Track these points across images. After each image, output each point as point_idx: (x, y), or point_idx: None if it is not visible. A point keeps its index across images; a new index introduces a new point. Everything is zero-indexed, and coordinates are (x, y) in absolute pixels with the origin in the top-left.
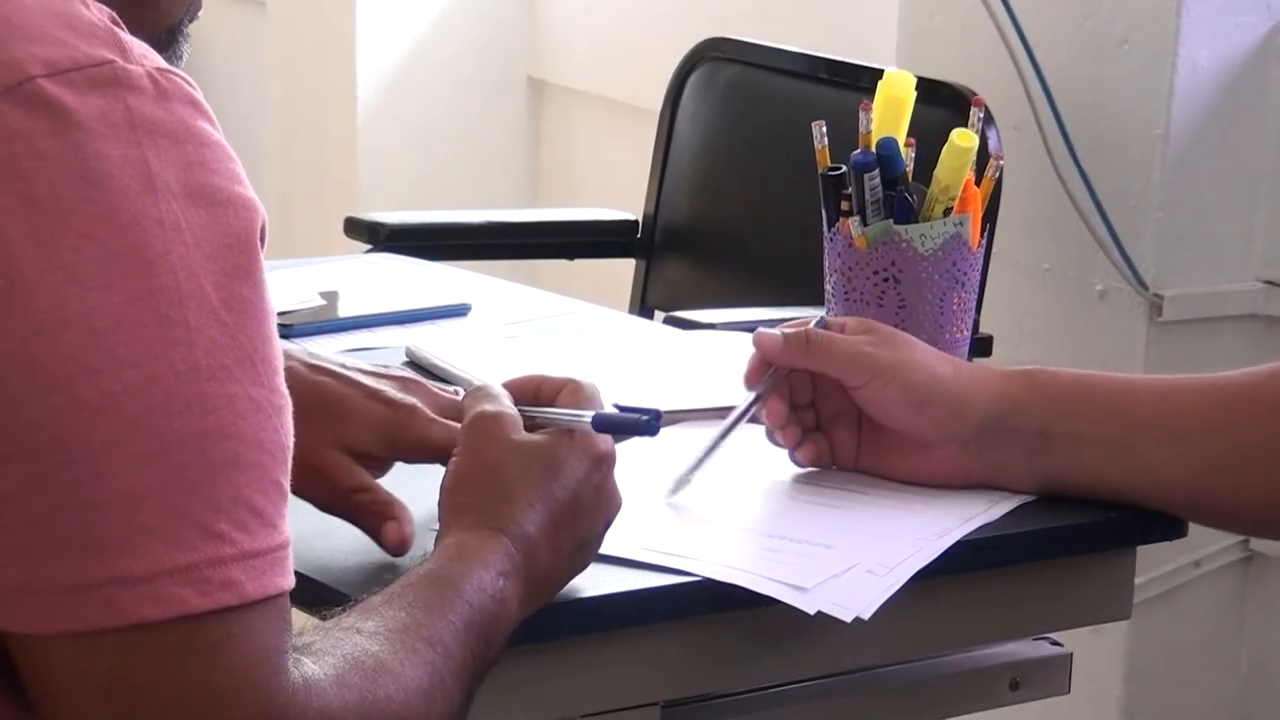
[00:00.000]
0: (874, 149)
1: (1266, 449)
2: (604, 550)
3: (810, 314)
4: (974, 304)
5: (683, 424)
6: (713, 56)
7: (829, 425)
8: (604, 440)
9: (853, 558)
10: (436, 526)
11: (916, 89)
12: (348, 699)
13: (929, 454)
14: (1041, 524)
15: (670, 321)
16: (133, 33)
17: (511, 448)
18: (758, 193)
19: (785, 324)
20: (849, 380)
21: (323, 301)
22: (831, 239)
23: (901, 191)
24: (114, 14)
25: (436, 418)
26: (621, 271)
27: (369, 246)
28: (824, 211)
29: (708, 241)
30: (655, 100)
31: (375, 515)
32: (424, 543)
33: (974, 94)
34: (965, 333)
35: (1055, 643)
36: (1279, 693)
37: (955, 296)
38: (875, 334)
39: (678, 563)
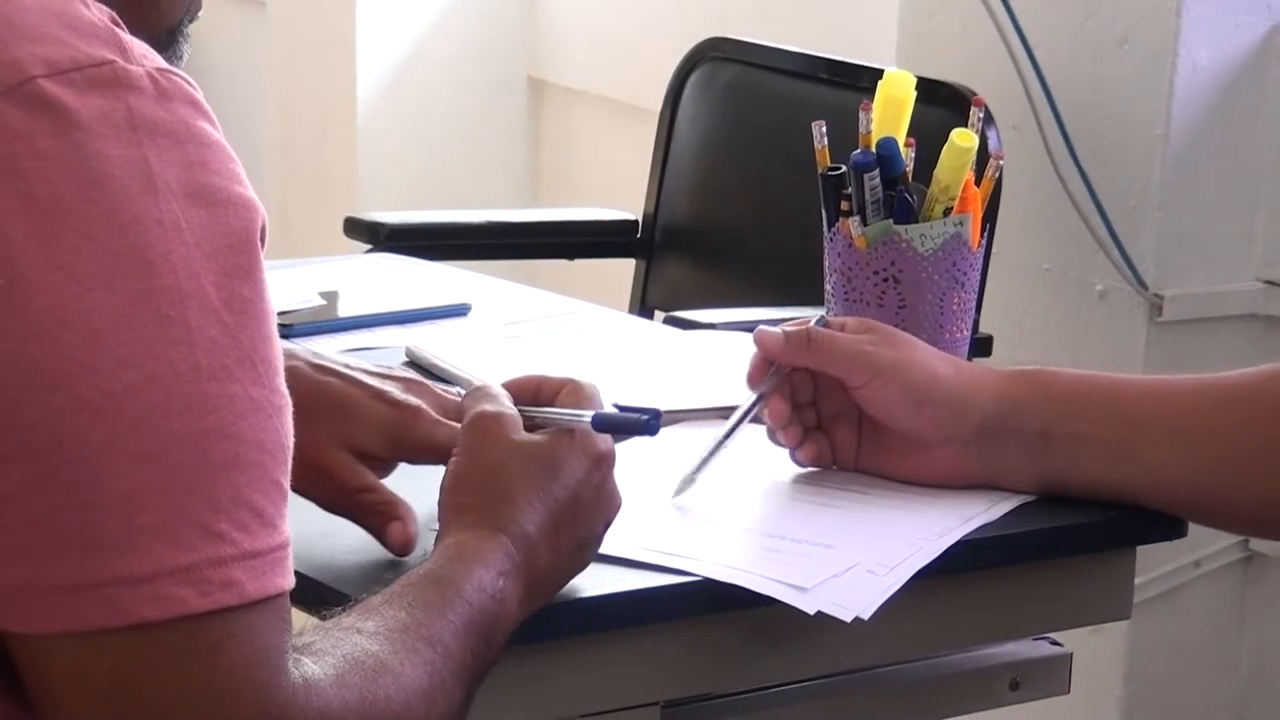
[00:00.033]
0: (874, 149)
1: (1265, 450)
2: (604, 550)
3: (810, 314)
4: (974, 304)
5: (683, 424)
6: (713, 56)
7: (830, 425)
8: (604, 440)
9: (853, 558)
10: (436, 526)
11: (916, 89)
12: (348, 699)
13: (929, 454)
14: (1041, 524)
15: (670, 321)
16: (133, 33)
17: (511, 447)
18: (758, 193)
19: (786, 323)
20: (849, 379)
21: (323, 301)
22: (831, 239)
23: (901, 191)
24: (114, 14)
25: (441, 419)
26: (621, 271)
27: (369, 246)
28: (824, 211)
29: (708, 241)
30: (655, 100)
31: (380, 515)
32: (424, 543)
33: (974, 94)
34: (965, 333)
35: (1055, 643)
36: (1279, 693)
37: (955, 296)
38: (876, 333)
39: (678, 563)
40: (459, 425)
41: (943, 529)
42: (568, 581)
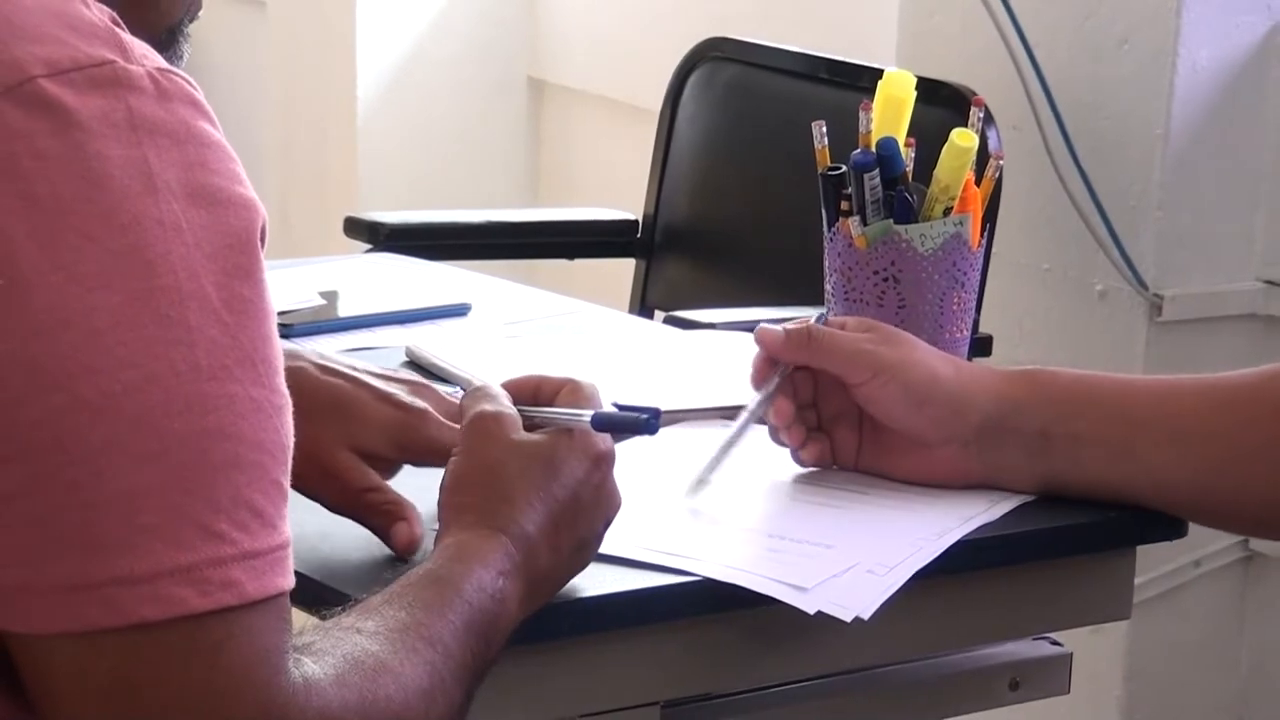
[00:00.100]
0: (874, 149)
1: (1266, 451)
2: (604, 550)
3: (810, 314)
4: (974, 304)
5: (683, 424)
6: (713, 56)
7: (830, 425)
8: (603, 439)
9: (853, 557)
10: (436, 526)
11: (916, 89)
12: (348, 699)
13: (929, 454)
14: (1041, 524)
15: (670, 321)
16: (133, 33)
17: (511, 447)
18: (758, 193)
19: (787, 322)
20: (850, 377)
21: (323, 301)
22: (831, 239)
23: (901, 191)
24: (114, 14)
25: (446, 422)
26: (621, 271)
27: (369, 246)
28: (824, 211)
29: (708, 241)
30: (655, 100)
31: (385, 515)
32: (425, 542)
33: (974, 94)
34: (965, 332)
35: (1055, 643)
36: (1279, 693)
37: (955, 296)
38: (877, 332)
39: (678, 563)
40: None
41: (943, 529)
42: (568, 581)
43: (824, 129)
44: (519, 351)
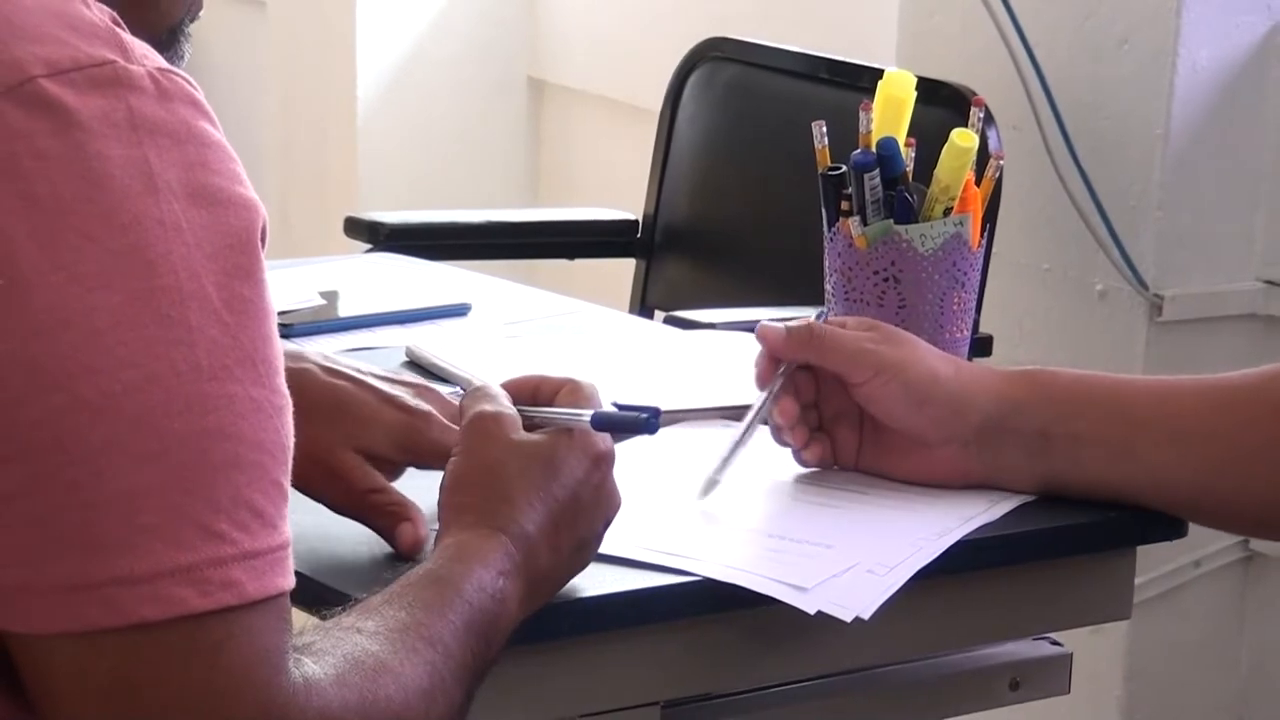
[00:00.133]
0: (874, 149)
1: (1266, 451)
2: (604, 550)
3: (810, 314)
4: (974, 304)
5: (683, 424)
6: (713, 56)
7: (831, 425)
8: (603, 439)
9: (853, 557)
10: (436, 526)
11: (916, 89)
12: (348, 699)
13: (929, 454)
14: (1042, 524)
15: (670, 321)
16: (134, 33)
17: (511, 447)
18: (758, 193)
19: (788, 321)
20: (851, 376)
21: (323, 301)
22: (832, 239)
23: (901, 191)
24: (115, 14)
25: (450, 425)
26: (621, 271)
27: (369, 246)
28: (824, 211)
29: (708, 241)
30: (655, 100)
31: (390, 516)
32: (428, 543)
33: (974, 94)
34: (965, 333)
35: (1055, 643)
36: (1278, 693)
37: (955, 296)
38: (878, 331)
39: (678, 563)
40: None
41: (943, 529)
42: (568, 581)
43: (824, 129)
44: (519, 351)
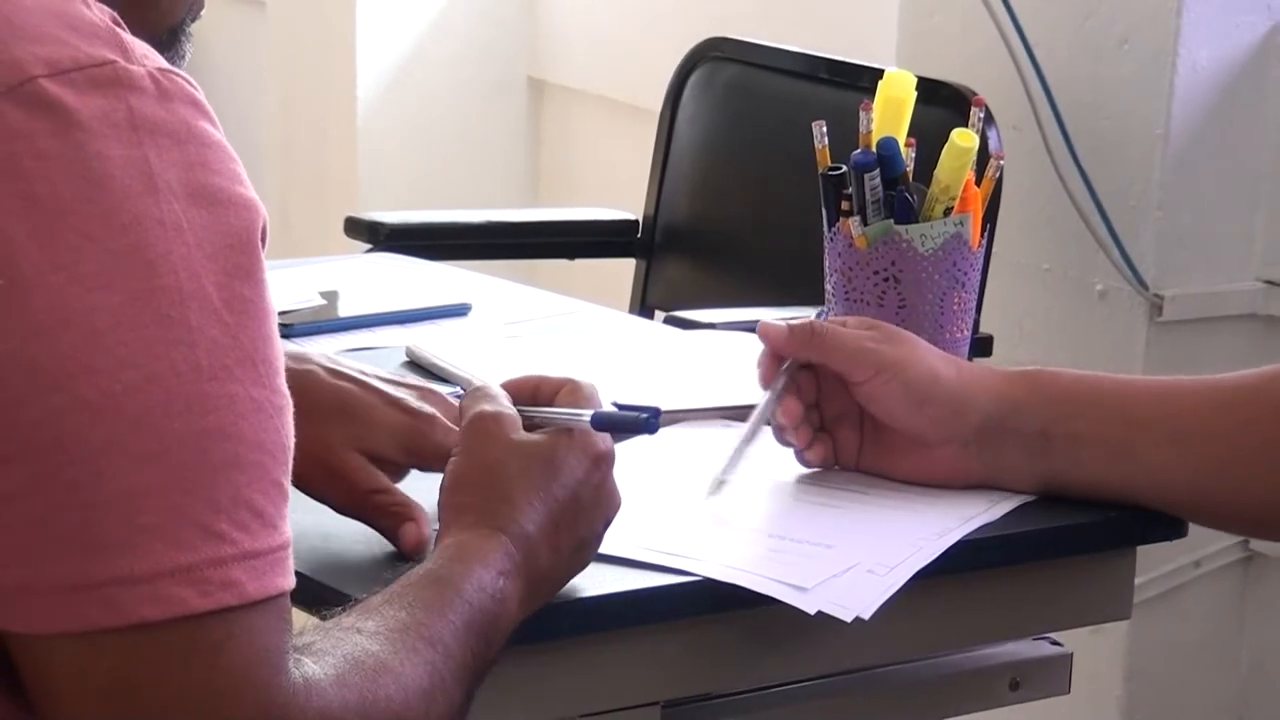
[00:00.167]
0: (874, 149)
1: (1266, 452)
2: (604, 550)
3: (809, 313)
4: (974, 304)
5: (683, 424)
6: (713, 56)
7: (832, 425)
8: (603, 439)
9: (853, 557)
10: (436, 526)
11: (917, 89)
12: (348, 699)
13: (930, 454)
14: (1042, 524)
15: (670, 321)
16: (134, 33)
17: (511, 447)
18: (758, 193)
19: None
20: (852, 375)
21: (323, 301)
22: (832, 239)
23: (902, 191)
24: (115, 14)
25: (454, 427)
26: (621, 271)
27: (369, 246)
28: (824, 211)
29: (708, 241)
30: (655, 100)
31: (393, 517)
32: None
33: (974, 94)
34: (965, 333)
35: (1055, 643)
36: (1278, 693)
37: (955, 296)
38: (879, 330)
39: (678, 563)
40: None
41: (943, 529)
42: (568, 581)
43: (824, 129)
44: (519, 351)
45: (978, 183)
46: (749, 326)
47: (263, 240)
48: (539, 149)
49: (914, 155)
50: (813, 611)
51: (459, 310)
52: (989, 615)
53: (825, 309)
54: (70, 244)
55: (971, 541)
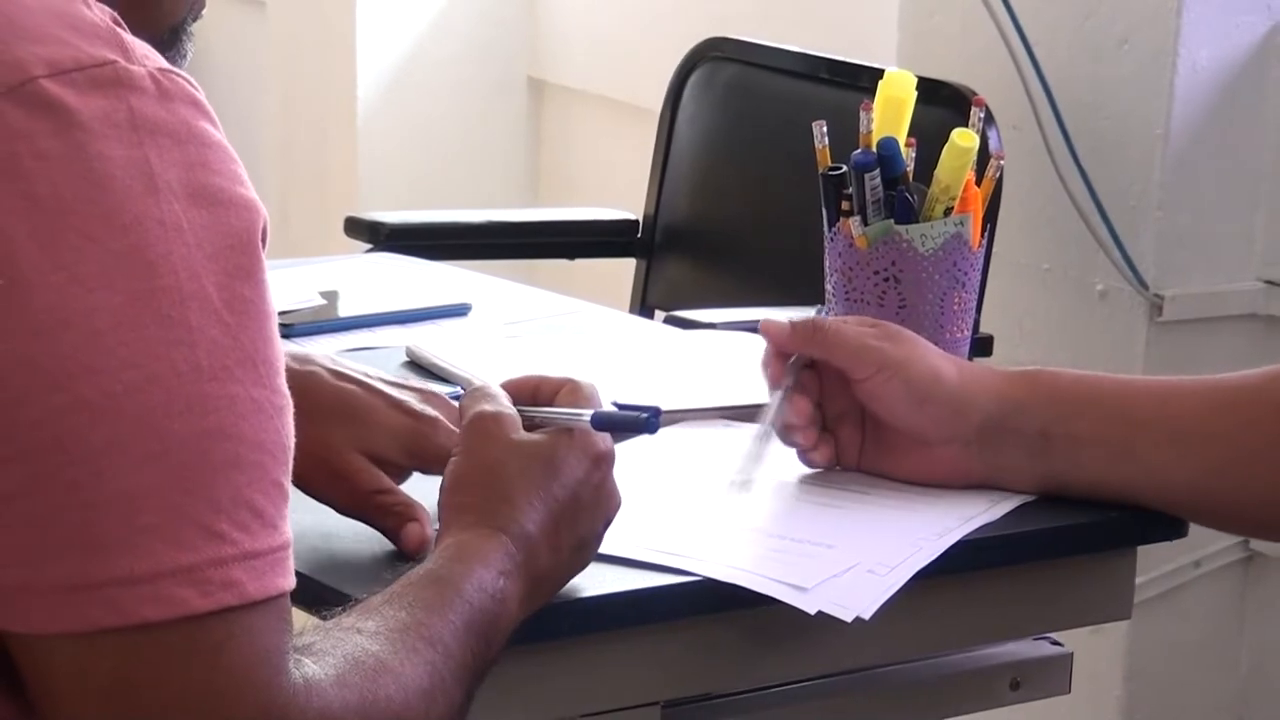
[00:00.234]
0: (874, 149)
1: (1267, 452)
2: (604, 550)
3: (809, 313)
4: (974, 304)
5: (682, 424)
6: (713, 56)
7: (834, 425)
8: (603, 439)
9: (853, 557)
10: (436, 526)
11: (917, 89)
12: (348, 699)
13: (930, 454)
14: (1042, 524)
15: (670, 321)
16: (136, 32)
17: (511, 447)
18: (758, 193)
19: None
20: (854, 371)
21: (323, 301)
22: (832, 239)
23: (902, 191)
24: (116, 14)
25: (456, 430)
26: (622, 271)
27: (369, 246)
28: (824, 211)
29: (708, 241)
30: (655, 100)
31: (396, 517)
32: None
33: (974, 94)
34: (966, 332)
35: (1055, 642)
36: (1279, 693)
37: (956, 296)
38: (881, 329)
39: (678, 562)
40: None
41: (943, 529)
42: (568, 581)
43: (824, 129)
44: (519, 351)
45: (978, 183)
46: (749, 326)
47: (263, 240)
48: (539, 149)
49: (914, 155)
50: (813, 611)
51: (459, 310)
52: (989, 615)
53: (826, 306)
54: (71, 244)
55: (972, 541)
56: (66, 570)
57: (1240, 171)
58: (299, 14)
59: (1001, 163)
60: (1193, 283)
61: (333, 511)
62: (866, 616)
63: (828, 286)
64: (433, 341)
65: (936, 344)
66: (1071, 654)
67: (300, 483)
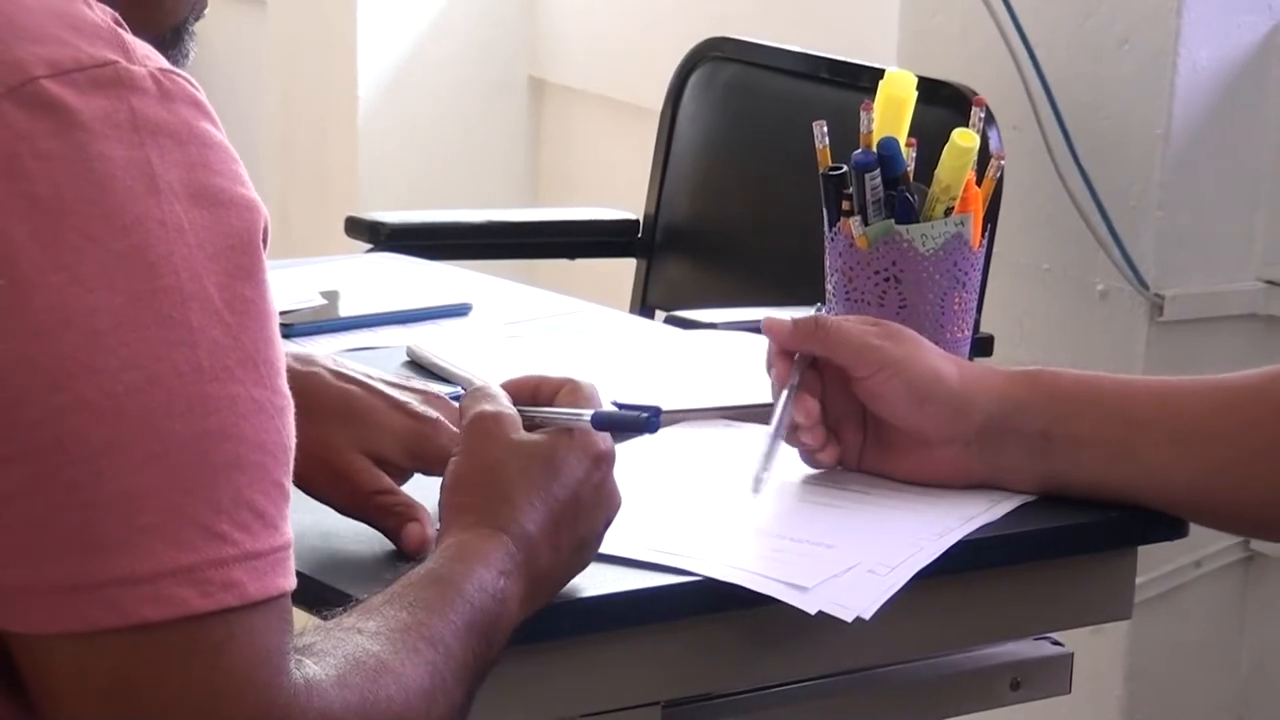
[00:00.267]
0: (875, 149)
1: (1267, 452)
2: (604, 549)
3: (809, 312)
4: (975, 304)
5: (683, 423)
6: (713, 56)
7: (835, 426)
8: (603, 439)
9: (854, 557)
10: (437, 526)
11: (917, 89)
12: (349, 699)
13: (931, 454)
14: (1043, 524)
15: (671, 321)
16: (138, 32)
17: (511, 447)
18: (758, 192)
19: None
20: (855, 370)
21: (323, 301)
22: (832, 239)
23: (903, 191)
24: (117, 15)
25: (458, 432)
26: (622, 271)
27: (370, 246)
28: (825, 211)
29: (708, 241)
30: (656, 100)
31: (397, 517)
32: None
33: (975, 94)
34: (966, 332)
35: (1056, 642)
36: (1279, 693)
37: (956, 296)
38: (882, 328)
39: (678, 562)
40: None
41: (944, 529)
42: (568, 581)
43: (825, 129)
44: (519, 351)
45: (978, 182)
46: (749, 326)
47: (264, 241)
48: (539, 149)
49: (915, 155)
50: (813, 611)
51: (459, 310)
52: (990, 615)
53: (823, 305)
54: (72, 244)
55: (972, 541)
56: (67, 570)
57: (1240, 171)
58: (299, 14)
59: (1002, 163)
60: (1193, 283)
61: (333, 511)
62: (867, 616)
63: (828, 286)
64: (433, 341)
65: (937, 344)
66: (1072, 654)
67: (301, 483)
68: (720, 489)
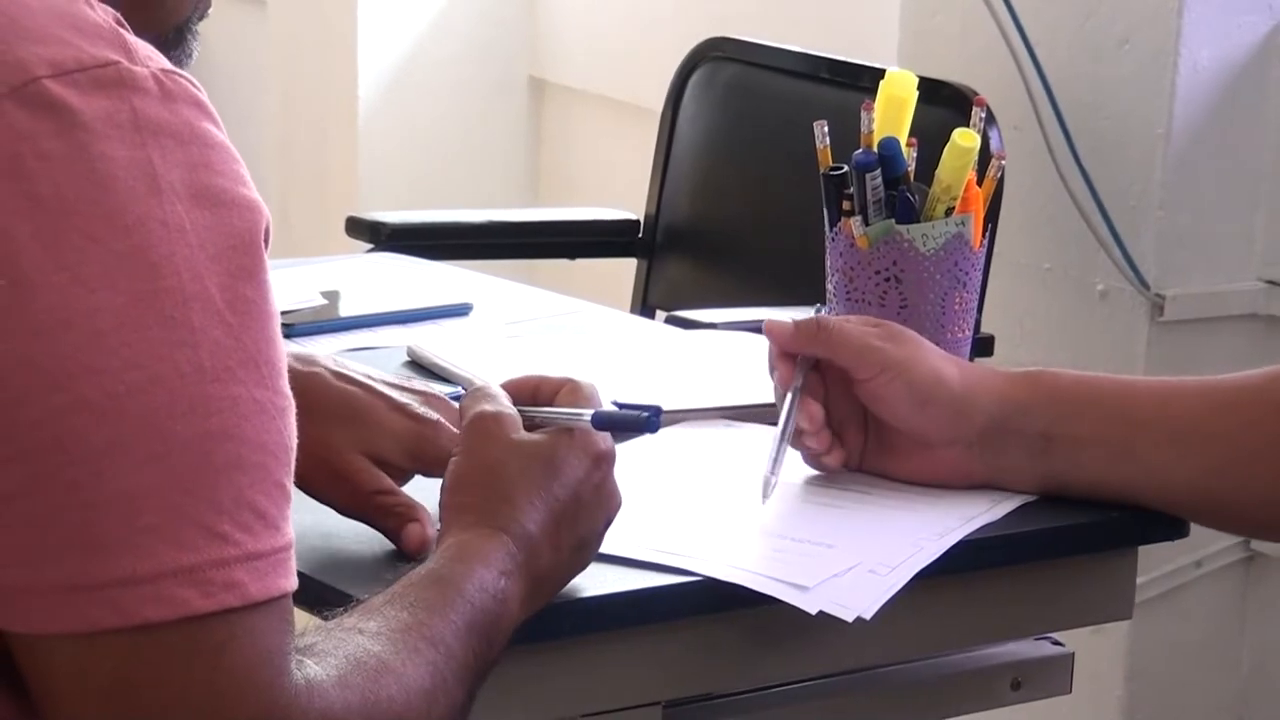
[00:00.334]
0: (876, 149)
1: (1267, 453)
2: (605, 549)
3: (809, 313)
4: (975, 304)
5: (683, 423)
6: (714, 56)
7: (837, 427)
8: (603, 438)
9: (854, 557)
10: (437, 527)
11: (918, 89)
12: (350, 700)
13: (932, 454)
14: (1043, 524)
15: (671, 321)
16: (140, 32)
17: (511, 447)
18: (758, 193)
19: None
20: (857, 371)
21: (324, 301)
22: (833, 239)
23: (903, 191)
24: (119, 15)
25: (458, 433)
26: (622, 271)
27: (370, 246)
28: (826, 211)
29: (709, 241)
30: (656, 100)
31: (397, 517)
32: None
33: (975, 94)
34: (967, 332)
35: (1057, 642)
36: (1279, 693)
37: (957, 296)
38: (883, 329)
39: (678, 562)
40: None
41: (944, 529)
42: (569, 581)
43: (825, 129)
44: (519, 351)
45: (979, 183)
46: (750, 326)
47: (266, 241)
48: (539, 149)
49: (915, 155)
50: (814, 611)
51: (460, 310)
52: (990, 615)
53: (826, 305)
54: (73, 245)
55: (973, 541)
56: (67, 570)
57: (1241, 171)
58: (299, 14)
59: (1003, 163)
60: (1193, 283)
61: (333, 512)
62: (867, 616)
63: (829, 286)
64: (434, 341)
65: (937, 344)
66: (1072, 654)
67: (301, 483)
68: (721, 489)
